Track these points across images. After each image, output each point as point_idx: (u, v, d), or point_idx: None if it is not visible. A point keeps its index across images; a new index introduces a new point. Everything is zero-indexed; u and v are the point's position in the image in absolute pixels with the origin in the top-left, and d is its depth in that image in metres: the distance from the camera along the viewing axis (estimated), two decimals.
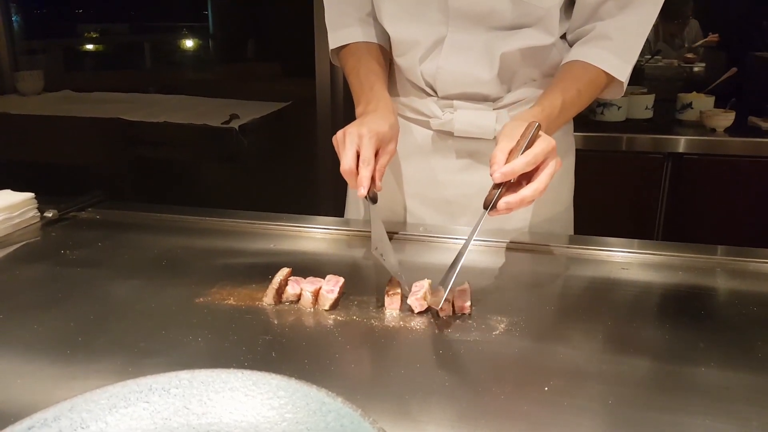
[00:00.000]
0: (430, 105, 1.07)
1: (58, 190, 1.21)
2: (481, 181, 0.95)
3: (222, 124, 2.13)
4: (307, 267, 0.88)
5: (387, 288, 0.80)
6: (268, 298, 0.79)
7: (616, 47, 0.97)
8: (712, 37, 2.56)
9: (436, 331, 0.73)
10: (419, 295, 0.76)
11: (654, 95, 2.23)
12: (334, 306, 0.78)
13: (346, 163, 0.87)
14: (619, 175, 2.04)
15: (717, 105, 2.17)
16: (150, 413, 0.52)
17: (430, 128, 1.09)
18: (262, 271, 0.87)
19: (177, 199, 1.41)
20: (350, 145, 0.88)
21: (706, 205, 2.01)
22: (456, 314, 0.77)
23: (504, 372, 0.66)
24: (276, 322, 0.75)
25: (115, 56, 3.21)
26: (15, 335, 0.72)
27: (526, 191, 0.79)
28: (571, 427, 0.56)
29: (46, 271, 0.91)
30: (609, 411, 0.59)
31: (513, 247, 0.99)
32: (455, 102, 1.05)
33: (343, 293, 0.81)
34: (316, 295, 0.79)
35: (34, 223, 1.08)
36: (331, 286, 0.80)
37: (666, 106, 2.26)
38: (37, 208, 1.09)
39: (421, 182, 1.12)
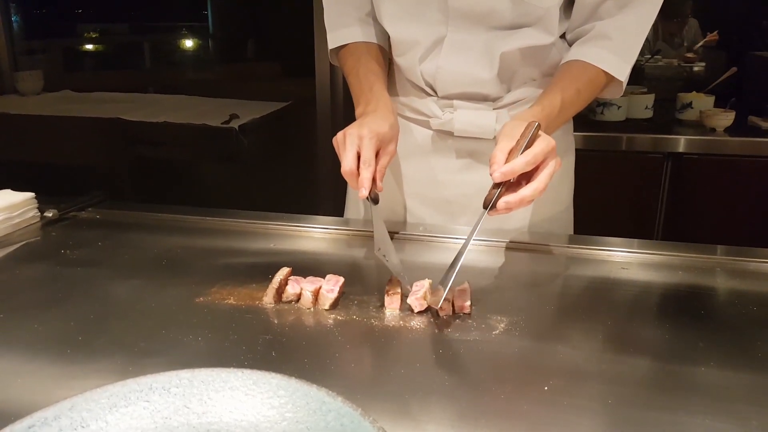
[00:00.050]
0: (429, 105, 1.07)
1: (58, 190, 1.21)
2: (481, 180, 0.95)
3: (222, 124, 2.13)
4: (307, 266, 0.88)
5: (387, 287, 0.80)
6: (268, 298, 0.79)
7: (615, 47, 0.97)
8: (712, 37, 2.56)
9: (436, 331, 0.73)
10: (419, 294, 0.77)
11: (654, 95, 2.23)
12: (334, 305, 0.78)
13: (347, 164, 0.87)
14: (619, 174, 2.03)
15: (717, 105, 2.17)
16: (150, 412, 0.52)
17: (429, 128, 1.09)
18: (262, 270, 0.87)
19: (177, 199, 1.41)
20: (351, 146, 0.88)
21: (706, 204, 2.01)
22: (456, 314, 0.77)
23: (504, 372, 0.66)
24: (276, 322, 0.75)
25: (114, 56, 3.21)
26: (15, 335, 0.72)
27: (526, 191, 0.80)
28: (571, 426, 0.56)
29: (46, 270, 0.91)
30: (609, 411, 0.59)
31: (513, 247, 0.99)
32: (455, 102, 1.05)
33: (343, 293, 0.81)
34: (316, 294, 0.79)
35: (34, 223, 1.08)
36: (331, 286, 0.80)
37: (666, 106, 2.25)
38: (38, 207, 1.09)
39: (421, 182, 1.12)
